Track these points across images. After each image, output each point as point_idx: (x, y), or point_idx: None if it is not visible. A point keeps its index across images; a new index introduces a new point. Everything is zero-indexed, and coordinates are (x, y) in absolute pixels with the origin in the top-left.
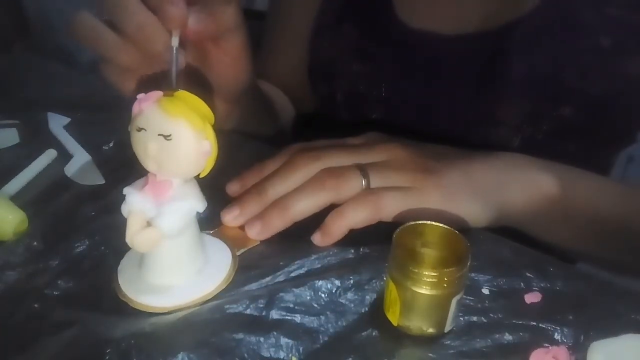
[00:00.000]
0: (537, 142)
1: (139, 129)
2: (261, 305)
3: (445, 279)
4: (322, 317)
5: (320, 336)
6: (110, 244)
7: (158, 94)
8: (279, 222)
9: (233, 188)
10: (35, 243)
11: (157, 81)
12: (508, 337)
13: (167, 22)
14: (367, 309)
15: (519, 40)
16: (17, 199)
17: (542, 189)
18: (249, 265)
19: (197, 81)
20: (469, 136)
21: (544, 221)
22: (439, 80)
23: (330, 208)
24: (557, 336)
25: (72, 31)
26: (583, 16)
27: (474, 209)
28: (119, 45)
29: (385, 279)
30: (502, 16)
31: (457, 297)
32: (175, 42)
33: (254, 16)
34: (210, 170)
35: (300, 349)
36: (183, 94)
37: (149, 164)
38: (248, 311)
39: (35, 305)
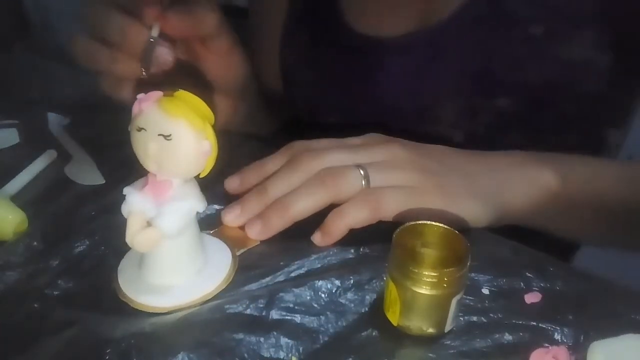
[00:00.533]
0: (480, 136)
1: (139, 129)
2: (261, 305)
3: (445, 279)
4: (322, 317)
5: (320, 336)
6: (110, 244)
7: (158, 94)
8: (279, 222)
9: (232, 184)
10: (35, 243)
11: (155, 86)
12: (508, 337)
13: (143, 18)
14: (367, 309)
15: (450, 35)
16: (17, 199)
17: (542, 184)
18: (249, 265)
19: (197, 79)
20: (414, 134)
21: (547, 215)
22: (384, 81)
23: (330, 208)
24: (557, 336)
25: (73, 55)
26: (513, 6)
27: (474, 209)
28: (110, 56)
29: (385, 279)
30: (437, 13)
31: (457, 297)
32: (154, 32)
33: (234, 13)
34: (210, 170)
35: (300, 349)
36: (183, 94)
37: (149, 164)
38: (248, 311)
39: (35, 305)
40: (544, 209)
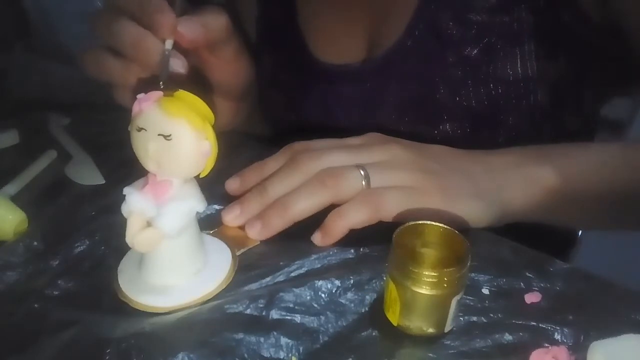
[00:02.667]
0: None
1: (139, 129)
2: (261, 305)
3: (445, 279)
4: (322, 317)
5: (320, 336)
6: (110, 244)
7: (158, 94)
8: (279, 222)
9: (232, 185)
10: (35, 243)
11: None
12: (508, 337)
13: (157, 31)
14: (367, 309)
15: (394, 62)
16: (17, 199)
17: (541, 181)
18: (249, 265)
19: (199, 82)
20: None
21: (548, 209)
22: (339, 108)
23: (330, 208)
24: (557, 336)
25: (84, 68)
26: (446, 28)
27: (474, 209)
28: (123, 67)
29: (385, 279)
30: (383, 43)
31: (457, 297)
32: (169, 45)
33: None
34: (210, 170)
35: (300, 349)
36: (183, 94)
37: (149, 164)
38: (248, 311)
39: (35, 305)
40: (544, 204)
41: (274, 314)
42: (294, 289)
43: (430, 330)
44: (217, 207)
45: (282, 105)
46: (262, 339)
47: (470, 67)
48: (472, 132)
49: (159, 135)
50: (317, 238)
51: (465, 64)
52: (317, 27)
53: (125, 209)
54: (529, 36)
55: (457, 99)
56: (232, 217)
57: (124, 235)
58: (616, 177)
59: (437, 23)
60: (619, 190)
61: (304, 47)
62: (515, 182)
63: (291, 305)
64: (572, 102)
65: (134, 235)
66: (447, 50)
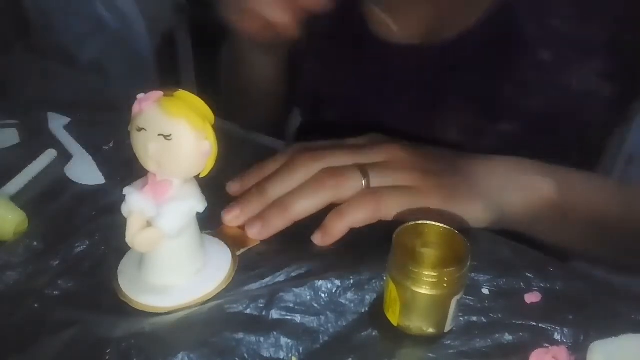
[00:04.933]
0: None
1: (139, 129)
2: (261, 305)
3: (445, 279)
4: (322, 317)
5: (320, 336)
6: (110, 244)
7: (158, 94)
8: (279, 222)
9: (233, 188)
10: (35, 243)
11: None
12: (508, 337)
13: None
14: (367, 309)
15: (459, 54)
16: (17, 199)
17: (541, 193)
18: (249, 265)
19: None
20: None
21: (543, 224)
22: (391, 85)
23: (331, 208)
24: (557, 336)
25: None
26: (525, 30)
27: (474, 210)
28: None
29: (385, 279)
30: (448, 30)
31: (457, 297)
32: None
33: None
34: (210, 170)
35: (300, 349)
36: (183, 93)
37: (149, 164)
38: (248, 311)
39: (35, 305)
40: (540, 216)
41: (274, 314)
42: (294, 289)
43: (430, 330)
44: (217, 207)
45: (318, 76)
46: (262, 339)
47: (539, 71)
48: (523, 135)
49: (159, 135)
50: (317, 238)
51: (535, 67)
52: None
53: (125, 209)
54: (602, 51)
55: (519, 100)
56: (232, 217)
57: (124, 235)
58: (609, 208)
59: (513, 21)
60: (610, 221)
61: (361, 19)
62: (515, 186)
63: (291, 305)
64: (617, 122)
65: (134, 235)
66: (518, 50)
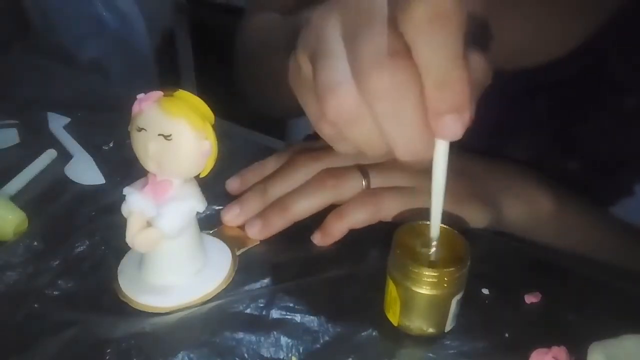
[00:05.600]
0: None
1: (139, 129)
2: (261, 305)
3: (445, 279)
4: (322, 317)
5: (320, 336)
6: (110, 244)
7: (158, 94)
8: (279, 222)
9: (232, 185)
10: (35, 243)
11: None
12: (508, 337)
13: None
14: (367, 309)
15: (540, 82)
16: (17, 199)
17: (540, 206)
18: (249, 265)
19: None
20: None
21: (537, 234)
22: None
23: (330, 208)
24: (557, 336)
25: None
26: (614, 74)
27: (473, 210)
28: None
29: (385, 279)
30: (532, 56)
31: (457, 297)
32: None
33: (234, 13)
34: (211, 170)
35: (300, 348)
36: (183, 93)
37: (149, 164)
38: (248, 311)
39: (35, 305)
40: (537, 227)
41: (274, 314)
42: (294, 289)
43: (430, 330)
44: (217, 207)
45: None
46: (262, 339)
47: (620, 117)
48: (580, 174)
49: (159, 135)
50: (317, 238)
51: (617, 112)
52: None
53: (125, 209)
54: None
55: (591, 140)
56: (232, 216)
57: (124, 235)
58: (605, 239)
59: (603, 62)
60: (604, 250)
61: None
62: (514, 193)
63: (291, 305)
64: None
65: (134, 235)
66: (604, 92)
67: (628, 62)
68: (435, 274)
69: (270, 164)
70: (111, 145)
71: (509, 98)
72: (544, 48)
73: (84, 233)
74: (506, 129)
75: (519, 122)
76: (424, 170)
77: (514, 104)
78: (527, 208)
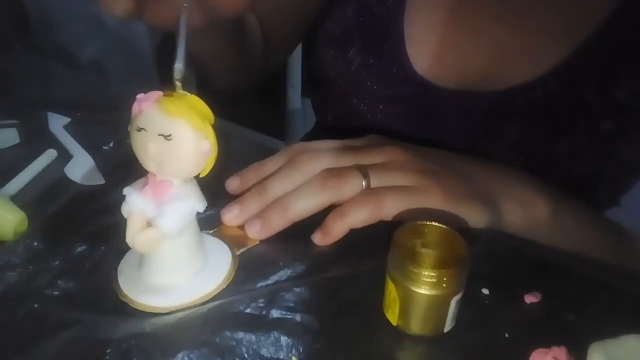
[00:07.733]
0: None
1: (139, 129)
2: (261, 305)
3: (445, 279)
4: (322, 317)
5: (320, 336)
6: (110, 244)
7: (158, 94)
8: (279, 222)
9: (232, 185)
10: (35, 243)
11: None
12: (508, 337)
13: None
14: (367, 309)
15: (515, 105)
16: (17, 199)
17: (538, 210)
18: (249, 265)
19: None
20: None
21: (534, 237)
22: (434, 129)
23: (331, 208)
24: (557, 336)
25: None
26: (588, 96)
27: (473, 211)
28: None
29: (385, 279)
30: (507, 79)
31: (457, 297)
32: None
33: None
34: (210, 170)
35: (300, 348)
36: (183, 93)
37: (149, 164)
38: (248, 310)
39: (35, 305)
40: (534, 229)
41: (274, 313)
42: (294, 289)
43: (430, 330)
44: (217, 207)
45: (347, 100)
46: (262, 338)
47: (595, 138)
48: (561, 194)
49: (159, 135)
50: (317, 238)
51: (591, 133)
52: (422, 36)
53: (125, 209)
54: None
55: (567, 161)
56: (232, 216)
57: (124, 235)
58: (602, 242)
59: (577, 85)
60: (600, 251)
61: (402, 55)
62: (511, 196)
63: (291, 305)
64: None
65: (134, 235)
66: (578, 114)
67: (604, 93)
68: (435, 274)
69: (270, 164)
70: (111, 145)
71: (480, 119)
72: (521, 69)
73: (84, 233)
74: (481, 152)
75: (494, 145)
76: (424, 170)
77: (489, 127)
78: (524, 211)
